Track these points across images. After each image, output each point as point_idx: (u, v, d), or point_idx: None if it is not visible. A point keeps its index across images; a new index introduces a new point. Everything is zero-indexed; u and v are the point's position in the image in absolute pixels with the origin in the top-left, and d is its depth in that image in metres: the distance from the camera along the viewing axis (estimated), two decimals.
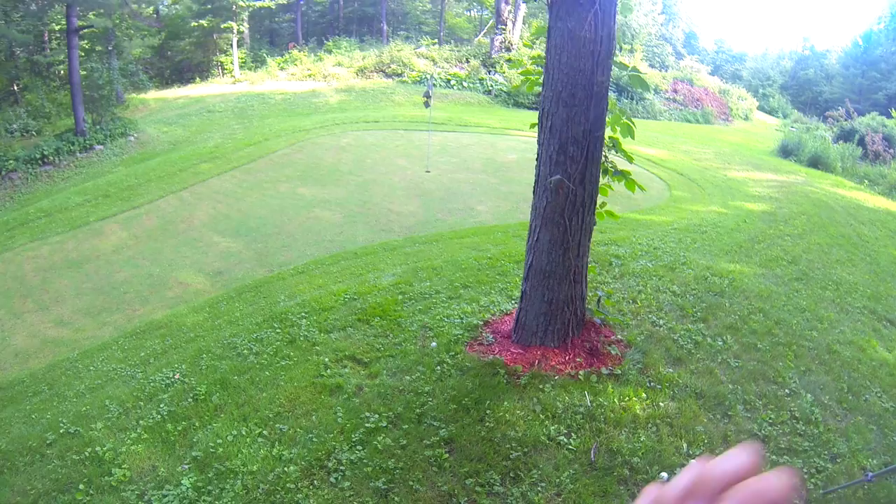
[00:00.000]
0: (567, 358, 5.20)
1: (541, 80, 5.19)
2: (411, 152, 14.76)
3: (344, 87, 24.53)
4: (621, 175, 5.24)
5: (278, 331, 6.07)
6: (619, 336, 5.61)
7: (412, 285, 7.07)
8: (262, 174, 13.06)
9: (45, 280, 8.39)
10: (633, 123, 5.08)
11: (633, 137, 5.09)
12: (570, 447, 4.31)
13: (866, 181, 16.66)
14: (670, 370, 5.21)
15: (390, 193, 11.85)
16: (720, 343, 5.76)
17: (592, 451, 4.27)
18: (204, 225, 10.06)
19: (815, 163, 17.57)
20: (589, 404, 4.65)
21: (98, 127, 17.52)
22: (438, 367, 5.15)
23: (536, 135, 4.90)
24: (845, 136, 20.70)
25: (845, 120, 23.07)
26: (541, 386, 4.80)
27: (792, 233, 9.79)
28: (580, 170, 4.64)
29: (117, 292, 7.81)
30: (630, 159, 5.49)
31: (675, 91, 27.70)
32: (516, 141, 16.33)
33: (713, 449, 4.45)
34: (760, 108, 34.41)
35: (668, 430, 4.53)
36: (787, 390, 5.21)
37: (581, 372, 4.99)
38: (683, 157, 16.23)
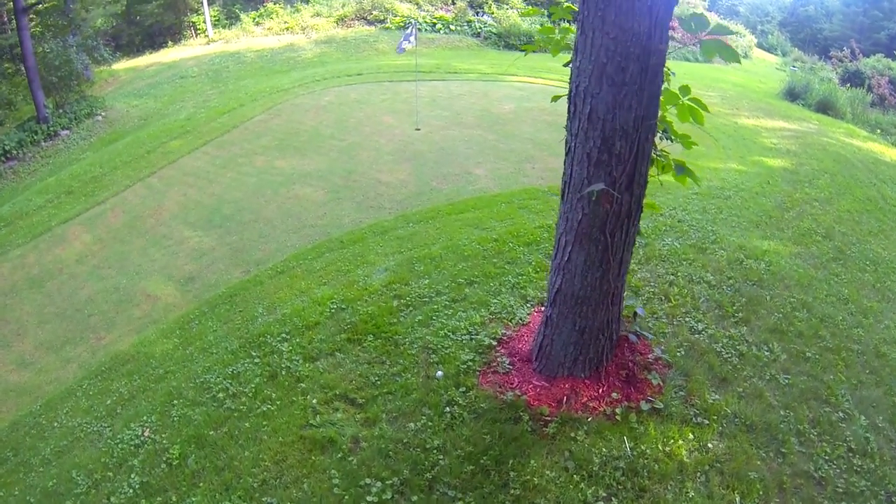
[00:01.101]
0: (601, 391, 4.38)
1: (567, 41, 4.03)
2: (398, 107, 13.47)
3: (324, 39, 22.70)
4: (684, 172, 4.02)
5: (257, 360, 5.26)
6: (656, 352, 4.78)
7: (408, 284, 6.20)
8: (236, 147, 11.90)
9: (5, 307, 7.53)
10: (702, 105, 3.67)
11: (701, 123, 3.76)
12: None
13: (879, 130, 15.68)
14: (716, 397, 4.53)
15: (377, 159, 10.75)
16: (766, 353, 5.12)
17: None
18: (174, 217, 9.08)
19: (824, 108, 16.54)
20: (629, 454, 3.92)
21: (62, 111, 16.08)
22: (448, 410, 4.35)
23: (567, 121, 3.76)
24: (850, 78, 19.74)
25: (850, 61, 21.59)
26: (572, 434, 4.03)
27: (819, 197, 8.97)
28: (628, 171, 3.60)
29: (81, 315, 6.97)
30: (689, 146, 4.25)
31: (673, 28, 25.56)
32: (510, 88, 14.96)
33: (768, 501, 3.78)
34: (759, 46, 32.29)
35: (719, 479, 3.86)
36: (840, 413, 4.59)
37: (618, 409, 4.20)
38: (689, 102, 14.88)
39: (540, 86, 15.16)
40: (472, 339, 5.12)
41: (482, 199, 8.68)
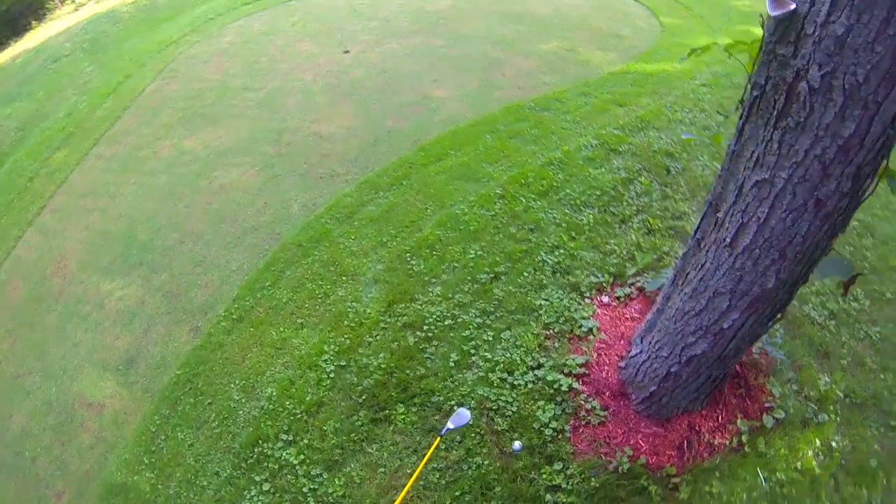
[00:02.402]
0: (720, 419, 3.51)
1: None
2: (315, 28, 10.84)
3: None
4: None
5: (266, 489, 3.70)
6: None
7: (415, 300, 4.49)
8: (132, 136, 9.47)
9: None
10: None
11: None
12: None
13: None
14: (826, 380, 3.89)
15: (309, 104, 8.48)
16: (853, 303, 4.30)
17: None
18: (82, 266, 6.99)
19: None
20: (765, 487, 3.34)
21: None
22: (550, 499, 3.10)
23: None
24: None
25: None
26: (707, 488, 3.20)
27: None
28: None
29: (24, 462, 5.10)
30: None
31: None
32: None
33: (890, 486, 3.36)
34: None
35: (846, 478, 3.41)
36: None
37: (744, 437, 3.45)
38: None
39: None
40: (538, 380, 3.60)
41: (457, 132, 6.66)
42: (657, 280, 4.12)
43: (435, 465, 3.46)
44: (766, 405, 3.63)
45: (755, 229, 2.37)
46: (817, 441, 3.60)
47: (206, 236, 6.60)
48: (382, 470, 3.57)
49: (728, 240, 2.52)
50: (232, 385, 4.62)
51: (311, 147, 7.50)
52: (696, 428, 3.42)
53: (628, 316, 4.27)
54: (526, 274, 4.50)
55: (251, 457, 3.93)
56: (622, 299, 4.41)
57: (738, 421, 3.49)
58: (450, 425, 2.94)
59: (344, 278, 5.09)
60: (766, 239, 2.36)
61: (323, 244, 5.69)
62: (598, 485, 3.28)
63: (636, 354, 3.56)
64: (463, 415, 2.98)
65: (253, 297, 5.42)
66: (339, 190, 6.53)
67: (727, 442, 3.45)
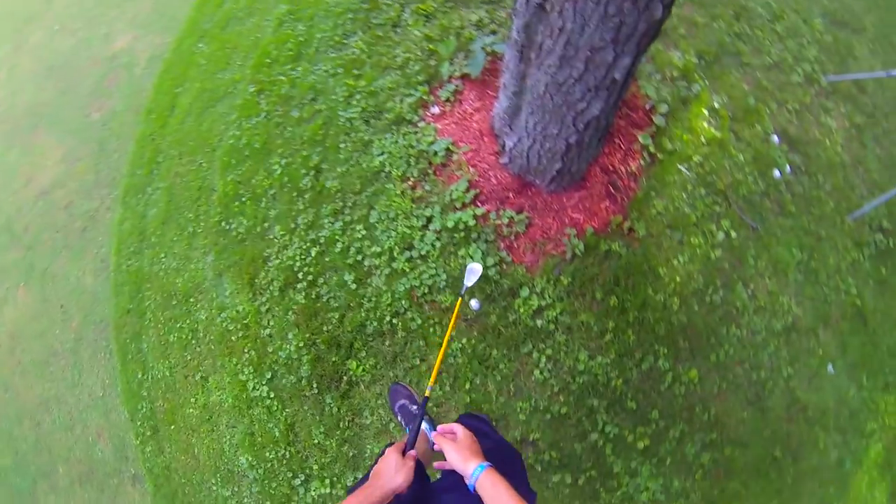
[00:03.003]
0: (624, 147, 3.42)
1: None
2: None
3: None
4: None
5: None
6: None
7: (268, 262, 3.72)
8: None
9: None
10: None
11: None
12: None
13: None
14: (677, 54, 3.90)
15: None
16: None
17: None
18: None
19: None
20: (691, 176, 3.50)
21: None
22: None
23: None
24: None
25: None
26: (652, 211, 3.34)
27: None
28: None
29: None
30: None
31: None
32: None
33: None
34: None
35: (742, 128, 3.68)
36: None
37: (651, 148, 3.46)
38: None
39: None
40: (440, 234, 3.38)
41: (168, 67, 5.29)
42: (475, 61, 3.59)
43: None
44: (648, 107, 3.57)
45: None
46: (703, 110, 3.73)
47: None
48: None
49: None
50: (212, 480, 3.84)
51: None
52: (611, 168, 3.21)
53: (470, 110, 3.72)
54: (342, 145, 3.75)
55: None
56: (452, 100, 3.82)
57: (640, 137, 3.41)
58: (467, 283, 2.57)
59: (192, 300, 4.12)
60: None
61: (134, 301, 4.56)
62: (569, 278, 3.01)
63: (515, 144, 3.10)
64: (474, 269, 2.60)
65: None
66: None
67: (641, 161, 3.40)
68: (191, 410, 3.96)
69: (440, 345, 3.21)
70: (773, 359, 3.41)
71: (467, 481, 1.45)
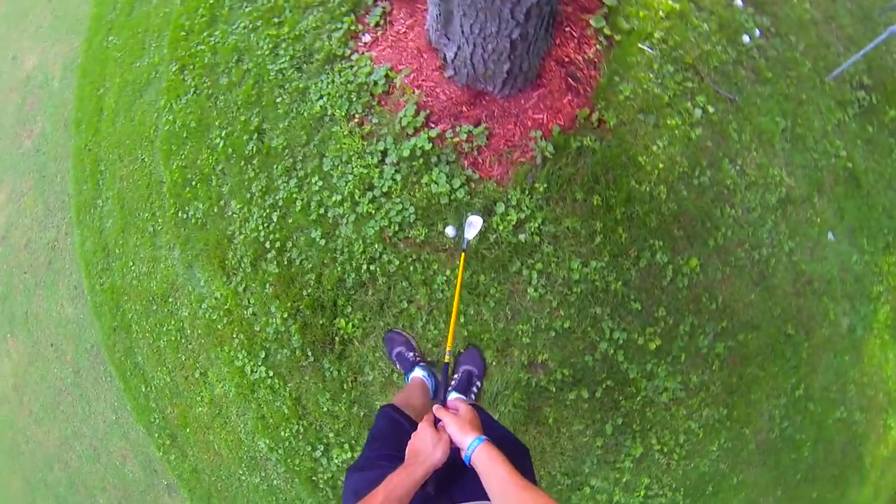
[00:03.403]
0: (576, 34, 3.06)
1: None
2: None
3: None
4: None
5: None
6: None
7: (233, 239, 3.54)
8: None
9: None
10: None
11: None
12: None
13: None
14: None
15: None
16: None
17: None
18: None
19: None
20: (654, 53, 3.20)
21: None
22: None
23: None
24: None
25: None
26: (620, 97, 2.99)
27: None
28: None
29: None
30: None
31: None
32: None
33: None
34: None
35: None
36: None
37: (606, 31, 3.09)
38: None
39: None
40: (397, 166, 3.07)
41: (85, 67, 4.95)
42: None
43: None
44: None
45: None
46: None
47: None
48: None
49: None
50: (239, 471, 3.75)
51: None
52: (566, 59, 2.92)
53: (403, 29, 3.42)
54: (278, 100, 3.48)
55: None
56: (381, 23, 3.51)
57: (592, 21, 3.07)
58: (468, 237, 2.46)
59: (170, 300, 3.94)
60: None
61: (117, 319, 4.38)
62: (545, 184, 2.80)
63: (456, 53, 2.84)
64: (474, 222, 2.49)
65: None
66: None
67: (597, 46, 3.08)
68: (200, 409, 3.84)
69: (425, 283, 3.02)
70: (772, 234, 3.22)
71: (463, 454, 1.41)
